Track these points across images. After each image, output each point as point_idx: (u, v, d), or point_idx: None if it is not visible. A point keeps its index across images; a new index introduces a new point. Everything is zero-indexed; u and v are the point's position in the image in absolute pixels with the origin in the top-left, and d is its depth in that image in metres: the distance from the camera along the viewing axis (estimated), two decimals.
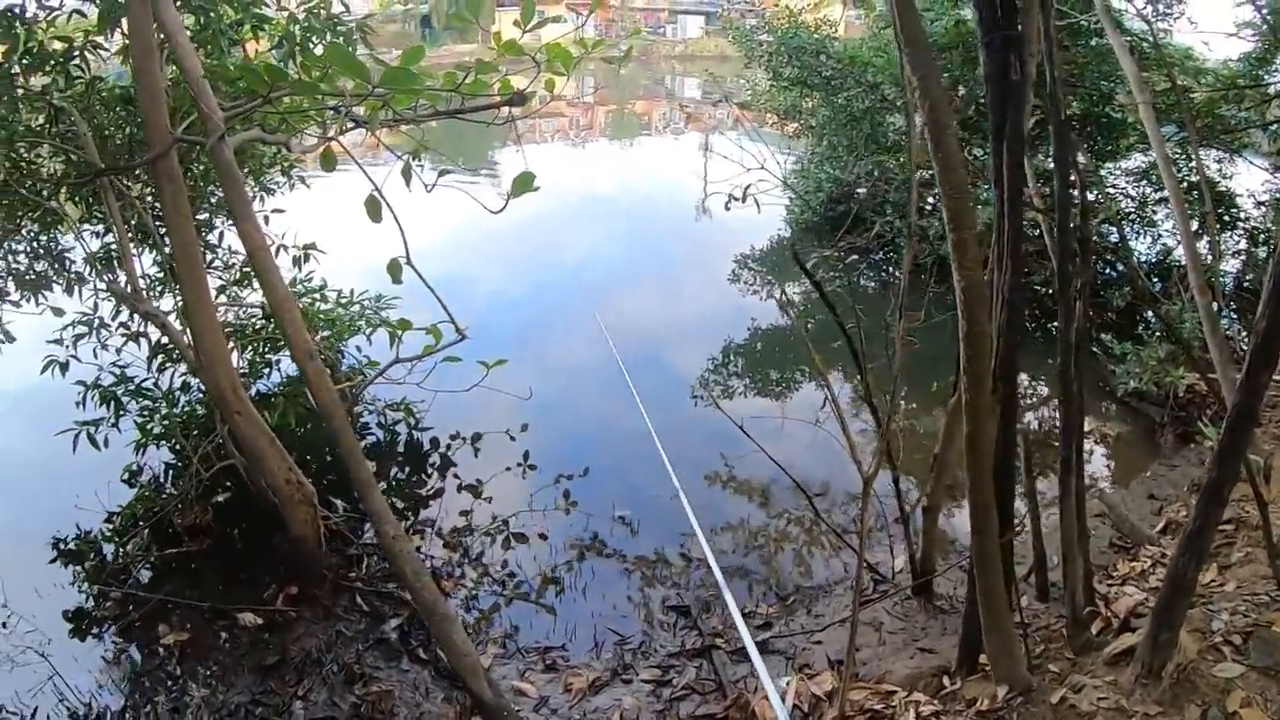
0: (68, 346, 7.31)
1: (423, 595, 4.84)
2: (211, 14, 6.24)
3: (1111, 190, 13.07)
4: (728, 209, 4.93)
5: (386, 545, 4.87)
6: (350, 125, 4.24)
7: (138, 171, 6.76)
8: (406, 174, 3.97)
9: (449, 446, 8.76)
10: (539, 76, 3.61)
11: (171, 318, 6.76)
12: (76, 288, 7.43)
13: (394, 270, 4.26)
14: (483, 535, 7.52)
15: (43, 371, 7.20)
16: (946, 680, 4.97)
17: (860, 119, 13.34)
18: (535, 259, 15.59)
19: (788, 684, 4.99)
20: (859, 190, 12.06)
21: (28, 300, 7.30)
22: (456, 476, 8.44)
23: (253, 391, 7.87)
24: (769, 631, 6.26)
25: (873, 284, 13.34)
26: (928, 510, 6.19)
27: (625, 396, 9.14)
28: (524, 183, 3.71)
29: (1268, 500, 5.39)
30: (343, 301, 8.33)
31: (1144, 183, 12.66)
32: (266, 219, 7.98)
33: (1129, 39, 11.66)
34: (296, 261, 8.16)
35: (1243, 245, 12.15)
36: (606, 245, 16.66)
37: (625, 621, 6.48)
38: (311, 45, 6.66)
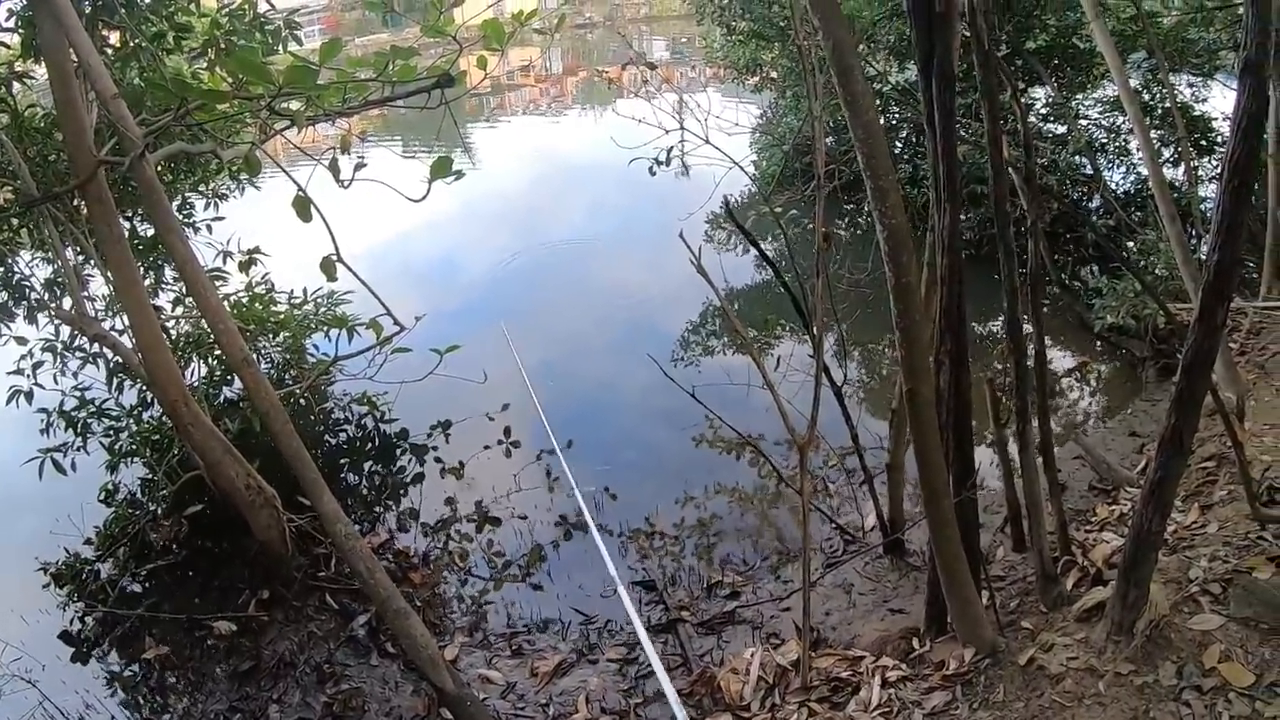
0: (28, 375, 7.39)
1: (378, 592, 4.79)
2: (140, 27, 6.08)
3: (1084, 121, 12.85)
4: (653, 173, 4.75)
5: (339, 544, 4.83)
6: (284, 125, 4.13)
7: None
8: (334, 169, 3.82)
9: (429, 434, 8.64)
10: (460, 56, 3.49)
11: (124, 337, 6.76)
12: (37, 315, 7.51)
13: (327, 269, 4.16)
14: (457, 522, 7.51)
15: (8, 402, 7.34)
16: (916, 642, 4.86)
17: (821, 66, 13.02)
18: (514, 231, 15.51)
19: (752, 655, 4.87)
20: (826, 139, 11.87)
21: None
22: (439, 460, 8.41)
23: (220, 399, 7.88)
24: (736, 601, 6.20)
25: (844, 233, 13.17)
26: (891, 468, 6.10)
27: (617, 366, 9.24)
28: (441, 167, 3.56)
29: (1242, 440, 5.23)
30: (295, 302, 8.20)
31: (1117, 112, 12.40)
32: (209, 227, 7.95)
33: None
34: (243, 267, 8.06)
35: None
36: (579, 214, 16.55)
37: (590, 602, 6.42)
38: (236, 48, 6.48)
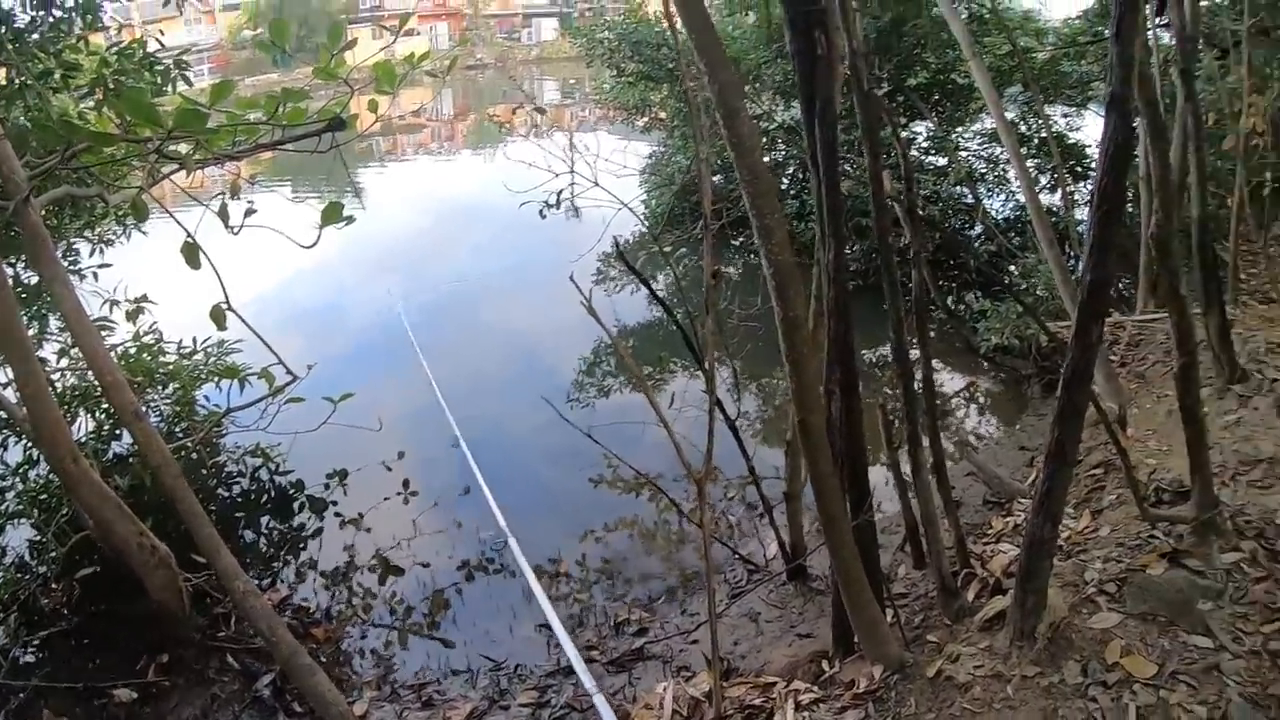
0: None
1: (281, 649, 4.68)
2: (26, 65, 5.91)
3: (964, 153, 13.38)
4: (543, 216, 4.78)
5: (238, 602, 4.75)
6: (173, 169, 4.05)
7: None
8: (224, 215, 3.76)
9: (327, 486, 8.46)
10: (351, 98, 3.47)
11: (8, 390, 6.53)
12: None
13: (217, 317, 4.09)
14: (359, 573, 7.34)
15: None
16: (826, 664, 4.91)
17: (707, 108, 13.27)
18: (406, 274, 15.45)
19: (665, 690, 4.88)
20: (714, 178, 12.15)
21: None
22: (339, 515, 8.21)
23: (109, 455, 7.57)
24: (644, 637, 6.18)
25: (734, 270, 13.40)
26: (789, 497, 6.20)
27: (513, 408, 9.08)
28: (333, 213, 3.53)
29: (1126, 446, 5.47)
30: (184, 352, 8.01)
31: (995, 143, 12.96)
32: (95, 275, 7.68)
33: (970, 5, 12.03)
34: (130, 316, 7.82)
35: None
36: (471, 256, 16.59)
37: (497, 646, 6.34)
38: (125, 88, 6.34)
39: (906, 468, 5.04)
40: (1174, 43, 6.44)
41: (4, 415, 6.79)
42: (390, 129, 29.70)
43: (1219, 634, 4.17)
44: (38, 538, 7.21)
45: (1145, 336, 8.48)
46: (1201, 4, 8.20)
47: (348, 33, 3.44)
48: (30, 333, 6.84)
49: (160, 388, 7.85)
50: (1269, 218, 10.50)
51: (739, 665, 5.64)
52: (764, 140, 13.07)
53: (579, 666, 5.55)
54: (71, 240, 7.72)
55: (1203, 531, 4.80)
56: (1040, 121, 11.55)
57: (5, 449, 7.23)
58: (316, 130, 3.45)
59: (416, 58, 3.87)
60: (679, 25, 3.45)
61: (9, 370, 6.04)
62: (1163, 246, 5.52)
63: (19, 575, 7.06)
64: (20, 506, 7.02)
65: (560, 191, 4.88)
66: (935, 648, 4.56)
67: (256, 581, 6.87)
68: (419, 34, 52.85)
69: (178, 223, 3.72)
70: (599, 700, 5.17)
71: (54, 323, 7.58)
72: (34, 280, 7.17)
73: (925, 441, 4.91)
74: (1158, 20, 7.66)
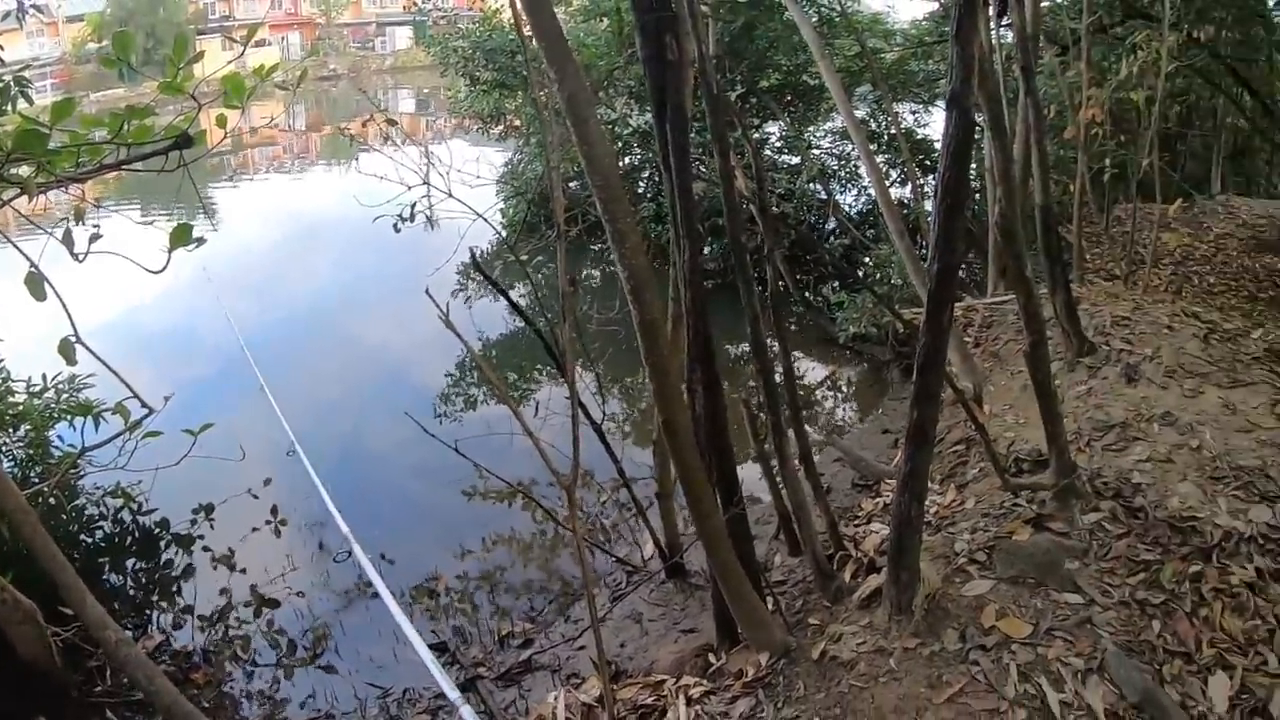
0: None
1: (161, 699, 4.43)
2: None
3: (817, 151, 13.76)
4: (397, 230, 4.73)
5: (111, 653, 4.46)
6: (14, 194, 3.82)
7: None
8: (68, 241, 3.58)
9: (193, 521, 8.12)
10: (199, 113, 3.36)
11: None
12: None
13: (65, 351, 3.86)
14: (235, 610, 7.07)
15: None
16: (712, 657, 4.99)
17: (559, 115, 13.29)
18: (261, 294, 15.05)
19: (556, 699, 4.87)
20: (571, 184, 12.19)
21: None
22: (208, 550, 7.90)
23: None
24: (531, 648, 6.16)
25: (596, 275, 13.47)
26: (661, 496, 6.30)
27: (379, 427, 8.88)
28: (182, 235, 3.40)
29: (984, 422, 5.73)
30: (34, 390, 7.61)
31: (846, 141, 13.37)
32: None
33: (820, 8, 12.39)
34: None
35: None
36: (328, 273, 16.29)
37: (383, 672, 6.20)
38: None
39: (775, 459, 5.15)
40: (1015, 41, 6.76)
41: None
42: (242, 145, 28.78)
43: (1088, 589, 4.44)
44: None
45: (997, 318, 8.87)
46: (1043, 4, 8.65)
47: (196, 44, 3.34)
48: None
49: (10, 430, 7.46)
50: (1109, 201, 11.23)
51: (627, 667, 5.67)
52: (619, 145, 13.18)
53: (437, 673, 5.49)
54: None
55: (1063, 496, 5.10)
56: (889, 119, 11.97)
57: None
58: (163, 148, 3.33)
59: (266, 69, 3.76)
60: (529, 33, 3.46)
61: None
62: (1007, 233, 5.82)
63: None
64: None
65: (414, 204, 4.81)
66: (818, 630, 4.68)
67: (129, 629, 6.60)
68: (271, 44, 51.36)
69: (20, 251, 3.52)
70: (465, 712, 5.15)
71: None
72: None
73: (790, 432, 5.04)
74: (1002, 21, 8.07)
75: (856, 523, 6.20)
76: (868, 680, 4.12)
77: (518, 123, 14.92)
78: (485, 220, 5.39)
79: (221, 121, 3.48)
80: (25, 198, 3.72)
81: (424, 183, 5.13)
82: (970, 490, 5.94)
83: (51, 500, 7.36)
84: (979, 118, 7.42)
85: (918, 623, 4.28)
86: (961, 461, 6.60)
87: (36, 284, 3.50)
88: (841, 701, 4.08)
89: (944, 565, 4.80)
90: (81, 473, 7.85)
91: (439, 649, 6.28)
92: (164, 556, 7.93)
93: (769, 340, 4.90)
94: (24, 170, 3.57)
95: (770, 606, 4.82)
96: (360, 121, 7.14)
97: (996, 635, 4.18)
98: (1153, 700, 3.80)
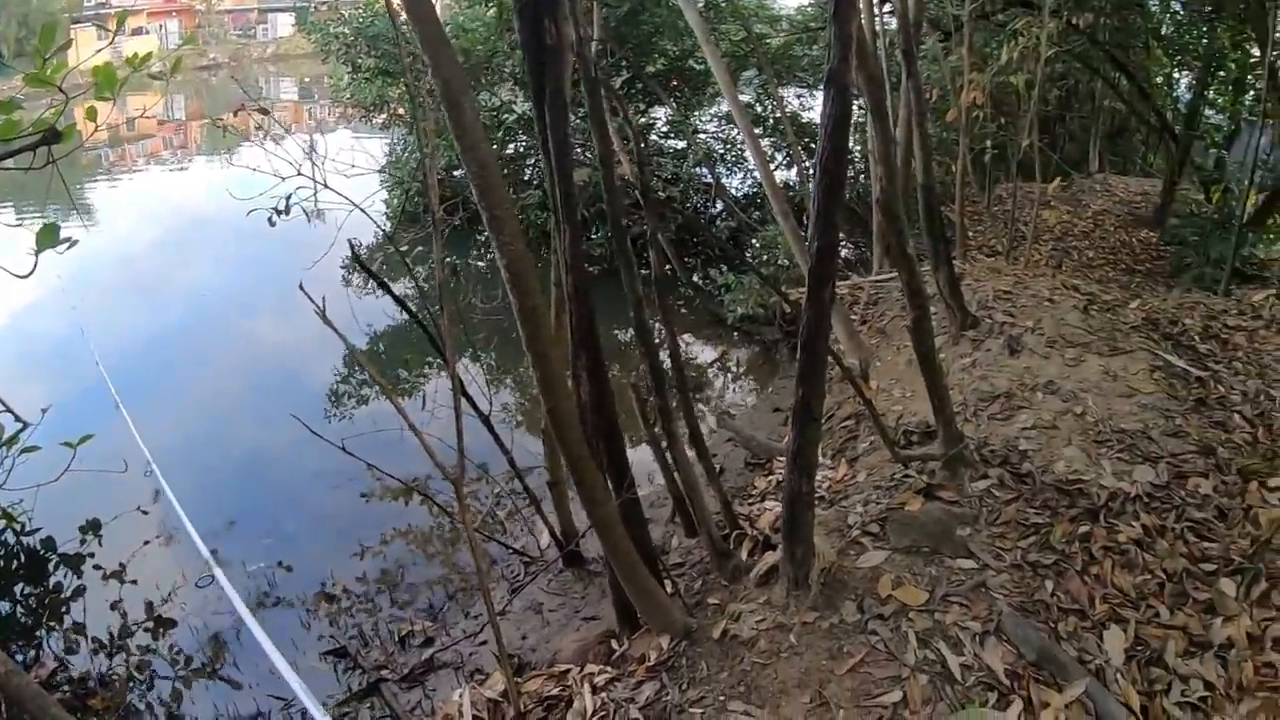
0: None
1: None
2: None
3: (703, 135, 13.86)
4: (272, 224, 4.58)
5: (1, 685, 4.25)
6: None
7: None
8: None
9: (82, 540, 7.68)
10: (68, 106, 3.18)
11: None
12: None
13: None
14: (130, 631, 6.70)
15: None
16: (615, 644, 4.98)
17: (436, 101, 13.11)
18: (140, 296, 14.46)
19: (461, 696, 4.81)
20: (456, 173, 12.03)
21: None
22: (99, 568, 7.37)
23: None
24: (433, 647, 6.04)
25: (480, 264, 13.34)
26: (553, 485, 6.29)
27: (266, 431, 8.64)
28: (48, 235, 3.23)
29: (871, 397, 5.84)
30: None
31: (731, 125, 13.49)
32: None
33: None
34: None
35: None
36: (209, 270, 15.48)
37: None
38: None
39: (666, 441, 5.17)
40: (898, 26, 6.89)
41: None
42: (119, 139, 27.59)
43: (980, 554, 4.59)
44: None
45: (882, 295, 9.09)
46: None
47: (71, 33, 3.16)
48: None
49: None
50: (991, 180, 11.61)
51: (531, 659, 5.64)
52: (503, 132, 13.05)
53: (305, 697, 5.37)
54: None
55: (952, 465, 5.26)
56: (775, 103, 12.13)
57: None
58: (31, 144, 3.17)
59: (139, 59, 3.59)
60: (404, 19, 3.38)
61: None
62: (889, 212, 5.94)
63: None
64: None
65: (288, 196, 4.66)
66: (718, 609, 4.72)
67: (19, 658, 6.26)
68: (149, 32, 49.19)
69: None
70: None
71: None
72: None
73: (679, 414, 5.06)
74: (884, 7, 8.21)
75: (751, 501, 6.23)
76: (770, 656, 4.17)
77: (401, 111, 14.65)
78: (363, 211, 5.25)
79: (92, 114, 3.34)
80: None
81: (297, 173, 4.96)
82: (861, 464, 6.08)
83: None
84: (860, 100, 7.58)
85: (815, 596, 4.36)
86: (852, 436, 6.74)
87: None
88: (745, 679, 4.12)
89: (839, 538, 4.90)
90: None
91: (339, 654, 6.14)
92: (52, 578, 7.44)
93: (654, 323, 4.90)
94: None
95: (669, 589, 4.85)
96: (233, 112, 6.86)
97: (894, 604, 4.28)
98: (1050, 657, 3.94)
